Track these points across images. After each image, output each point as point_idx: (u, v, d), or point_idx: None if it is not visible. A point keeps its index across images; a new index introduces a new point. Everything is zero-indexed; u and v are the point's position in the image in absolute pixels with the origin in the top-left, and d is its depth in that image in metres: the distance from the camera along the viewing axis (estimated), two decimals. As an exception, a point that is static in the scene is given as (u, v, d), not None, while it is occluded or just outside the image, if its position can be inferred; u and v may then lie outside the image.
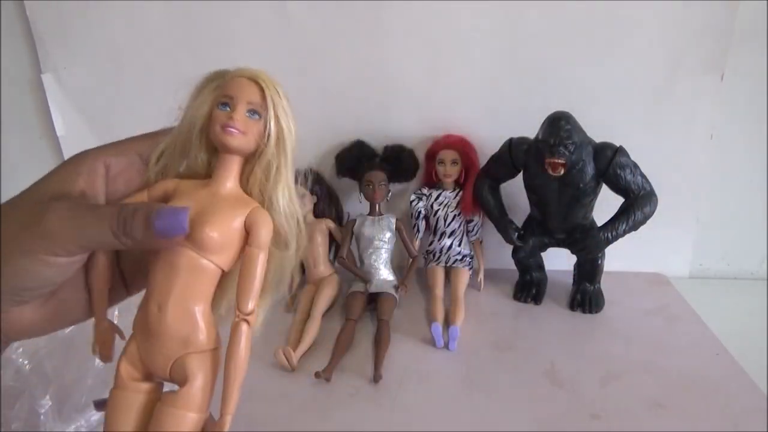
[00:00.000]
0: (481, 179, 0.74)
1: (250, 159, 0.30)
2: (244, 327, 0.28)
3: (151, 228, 0.26)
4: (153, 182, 0.31)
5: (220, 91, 0.30)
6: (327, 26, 0.75)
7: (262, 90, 0.29)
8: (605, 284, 0.75)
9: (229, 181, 0.30)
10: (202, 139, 0.30)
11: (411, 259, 0.78)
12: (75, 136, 0.83)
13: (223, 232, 0.28)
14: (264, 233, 0.29)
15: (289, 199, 0.30)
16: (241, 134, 0.29)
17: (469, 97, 0.77)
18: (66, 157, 0.85)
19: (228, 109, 0.29)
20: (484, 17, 0.73)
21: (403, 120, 0.79)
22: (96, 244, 0.28)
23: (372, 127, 0.79)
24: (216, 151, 0.30)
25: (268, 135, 0.29)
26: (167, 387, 0.29)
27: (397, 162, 0.77)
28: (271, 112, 0.29)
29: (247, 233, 0.29)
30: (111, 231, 0.26)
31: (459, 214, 0.78)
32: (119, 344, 0.31)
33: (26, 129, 0.83)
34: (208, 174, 0.30)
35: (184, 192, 0.30)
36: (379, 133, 0.79)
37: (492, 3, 0.72)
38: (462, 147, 0.76)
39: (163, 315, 0.28)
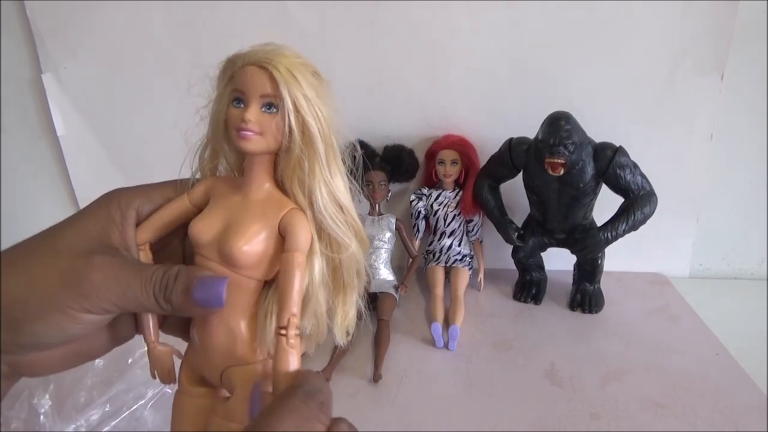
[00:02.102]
0: (480, 179, 0.74)
1: (281, 153, 0.27)
2: (281, 343, 0.25)
3: (190, 298, 0.26)
4: (196, 181, 0.29)
5: (232, 83, 0.27)
6: (327, 26, 0.75)
7: (275, 75, 0.25)
8: (605, 284, 0.75)
9: (261, 182, 0.27)
10: (228, 138, 0.28)
11: (411, 259, 0.78)
12: (75, 136, 0.83)
13: (252, 245, 0.26)
14: (300, 237, 0.26)
15: (329, 195, 0.27)
16: (257, 136, 0.26)
17: (469, 97, 0.77)
18: (66, 157, 0.86)
19: (242, 105, 0.26)
20: (484, 17, 0.73)
21: (403, 120, 0.79)
22: (134, 307, 0.27)
23: (372, 127, 0.79)
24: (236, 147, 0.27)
25: (290, 129, 0.26)
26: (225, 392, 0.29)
27: (397, 162, 0.77)
28: (288, 104, 0.25)
29: (283, 238, 0.26)
30: (153, 296, 0.26)
31: (459, 214, 0.78)
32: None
33: (26, 129, 0.83)
34: (238, 167, 0.28)
35: (218, 196, 0.28)
36: (379, 133, 0.79)
37: (492, 3, 0.72)
38: (462, 147, 0.76)
39: (207, 331, 0.27)
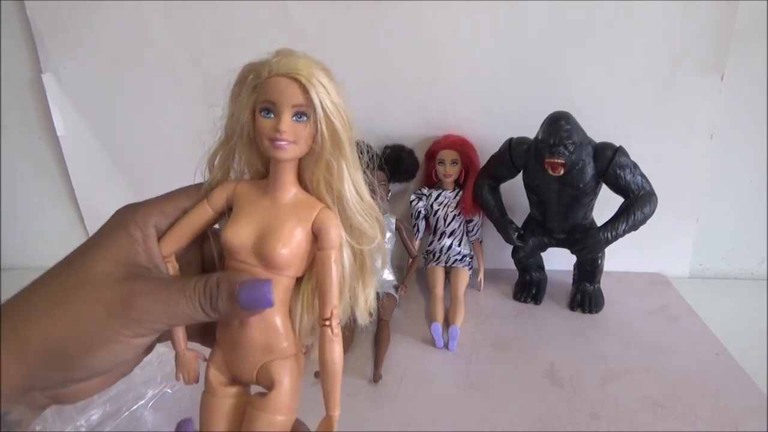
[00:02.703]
0: (480, 179, 0.74)
1: (306, 157, 0.28)
2: (327, 333, 0.28)
3: (236, 302, 0.27)
4: (211, 187, 0.30)
5: (259, 94, 0.27)
6: (327, 26, 0.75)
7: (305, 88, 0.26)
8: (605, 284, 0.75)
9: (288, 185, 0.28)
10: (252, 146, 0.29)
11: (411, 259, 0.78)
12: (75, 136, 0.83)
13: (291, 247, 0.27)
14: (333, 235, 0.28)
15: (356, 192, 0.28)
16: (291, 144, 0.27)
17: (469, 97, 0.77)
18: (66, 157, 0.85)
19: (272, 116, 0.27)
20: (484, 17, 0.73)
21: (403, 120, 0.79)
22: (183, 322, 0.28)
23: (372, 127, 0.79)
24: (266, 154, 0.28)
25: (321, 135, 0.27)
26: (254, 389, 0.30)
27: (397, 162, 0.77)
28: (320, 112, 0.26)
29: (316, 236, 0.28)
30: (200, 308, 0.27)
31: (459, 214, 0.78)
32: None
33: (26, 129, 0.83)
34: (264, 172, 0.29)
35: (245, 201, 0.29)
36: (379, 133, 0.79)
37: (492, 3, 0.72)
38: (462, 147, 0.76)
39: (245, 328, 0.28)
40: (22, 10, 0.76)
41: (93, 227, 0.89)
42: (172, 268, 0.29)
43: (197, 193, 0.30)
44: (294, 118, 0.27)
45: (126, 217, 0.29)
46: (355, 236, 0.29)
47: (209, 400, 0.30)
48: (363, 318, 0.31)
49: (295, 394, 0.29)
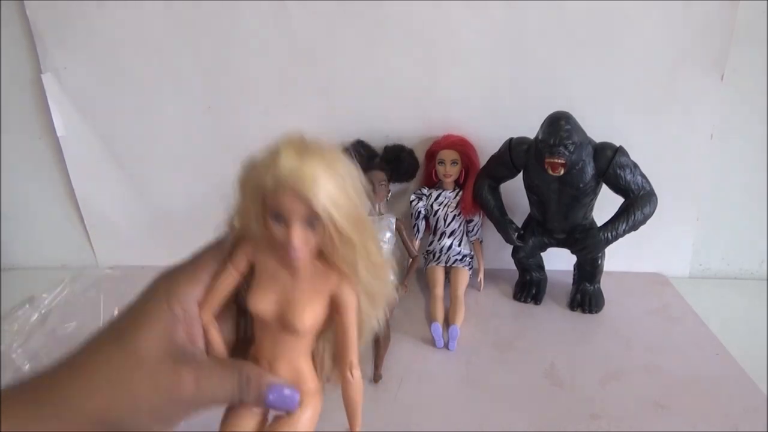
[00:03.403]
0: (481, 179, 0.74)
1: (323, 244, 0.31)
2: (347, 378, 0.34)
3: (264, 400, 0.31)
4: (232, 244, 0.32)
5: (268, 200, 0.29)
6: (327, 26, 0.75)
7: (312, 202, 0.28)
8: (605, 284, 0.75)
9: (306, 263, 0.31)
10: (265, 227, 0.30)
11: (411, 259, 0.78)
12: (75, 136, 0.83)
13: (313, 318, 0.32)
14: (350, 304, 0.32)
15: (370, 269, 0.32)
16: (304, 249, 0.30)
17: (469, 97, 0.77)
18: (66, 157, 0.85)
19: (281, 222, 0.29)
20: (484, 17, 0.73)
21: (403, 120, 0.79)
22: (216, 404, 0.31)
23: (372, 127, 0.79)
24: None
25: (330, 238, 0.29)
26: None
27: (397, 162, 0.76)
28: (326, 220, 0.29)
29: (333, 302, 0.32)
30: (232, 398, 0.31)
31: (459, 214, 0.78)
32: None
33: (26, 129, 0.83)
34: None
35: (264, 268, 0.32)
36: (379, 133, 0.79)
37: (492, 3, 0.72)
38: (462, 147, 0.76)
39: (275, 369, 0.33)
40: (22, 10, 0.76)
41: (93, 227, 0.89)
42: (214, 329, 0.32)
43: (220, 252, 0.33)
44: (304, 226, 0.29)
45: (168, 291, 0.31)
46: (370, 297, 0.33)
47: (232, 415, 0.33)
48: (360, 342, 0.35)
49: (315, 419, 0.34)
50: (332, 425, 0.54)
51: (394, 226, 0.76)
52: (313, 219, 0.29)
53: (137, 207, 0.87)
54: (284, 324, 0.31)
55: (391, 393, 0.59)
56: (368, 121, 0.79)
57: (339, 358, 0.34)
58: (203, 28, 0.76)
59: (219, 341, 0.33)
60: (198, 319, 0.31)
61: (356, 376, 0.34)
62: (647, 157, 0.67)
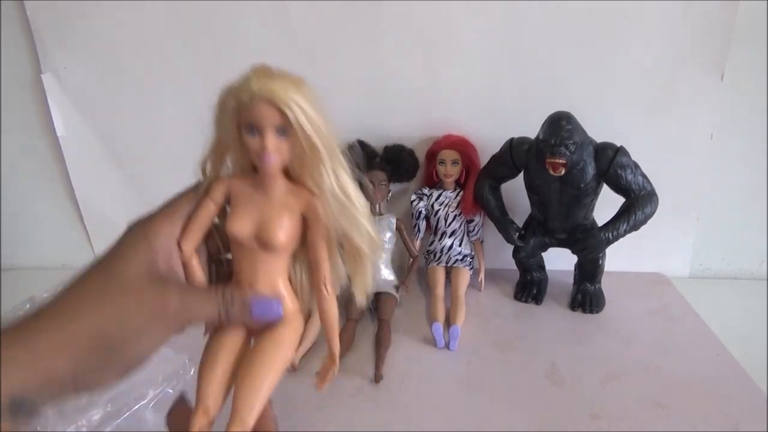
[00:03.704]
0: (481, 179, 0.74)
1: (291, 156, 0.33)
2: (323, 293, 0.35)
3: (250, 315, 0.34)
4: (207, 185, 0.35)
5: (243, 116, 0.31)
6: (327, 26, 0.75)
7: (283, 108, 0.30)
8: (606, 284, 0.75)
9: (277, 180, 0.33)
10: (241, 150, 0.33)
11: (411, 259, 0.78)
12: (75, 136, 0.83)
13: (287, 233, 0.34)
14: (320, 225, 0.34)
15: (337, 187, 0.33)
16: (276, 156, 0.32)
17: (469, 97, 0.77)
18: (66, 157, 0.85)
19: (256, 135, 0.31)
20: (484, 17, 0.73)
21: (403, 120, 0.79)
22: (204, 321, 0.34)
23: (372, 127, 0.79)
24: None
25: (300, 147, 0.32)
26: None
27: (397, 162, 0.77)
28: (298, 129, 0.31)
29: (305, 219, 0.34)
30: (218, 315, 0.33)
31: (460, 214, 0.78)
32: None
33: (26, 129, 0.83)
34: (252, 168, 0.34)
35: (240, 196, 0.34)
36: (379, 133, 0.79)
37: (492, 3, 0.72)
38: (463, 147, 0.76)
39: (255, 290, 0.35)
40: (22, 10, 0.76)
41: (93, 227, 0.89)
42: (195, 261, 0.34)
43: (195, 195, 0.34)
44: (276, 134, 0.31)
45: (144, 230, 0.33)
46: (345, 221, 0.34)
47: (214, 341, 0.35)
48: (359, 296, 0.37)
49: (296, 340, 0.35)
50: (332, 425, 0.54)
51: (395, 226, 0.76)
52: (284, 127, 0.31)
53: (137, 207, 0.86)
54: (261, 241, 0.33)
55: (392, 393, 0.59)
56: (368, 121, 0.79)
57: (313, 276, 0.35)
58: (203, 28, 0.76)
59: (200, 273, 0.34)
60: (177, 253, 0.33)
61: (330, 292, 0.36)
62: (647, 157, 0.67)
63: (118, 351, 0.30)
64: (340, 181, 0.33)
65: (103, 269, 0.31)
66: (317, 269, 0.35)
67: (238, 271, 0.35)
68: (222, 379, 0.34)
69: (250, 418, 0.32)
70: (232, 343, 0.35)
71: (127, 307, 0.30)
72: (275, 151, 0.31)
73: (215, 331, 0.35)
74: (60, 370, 0.28)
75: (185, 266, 0.34)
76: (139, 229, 0.33)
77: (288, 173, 0.34)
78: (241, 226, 0.33)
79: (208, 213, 0.34)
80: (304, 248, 0.36)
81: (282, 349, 0.34)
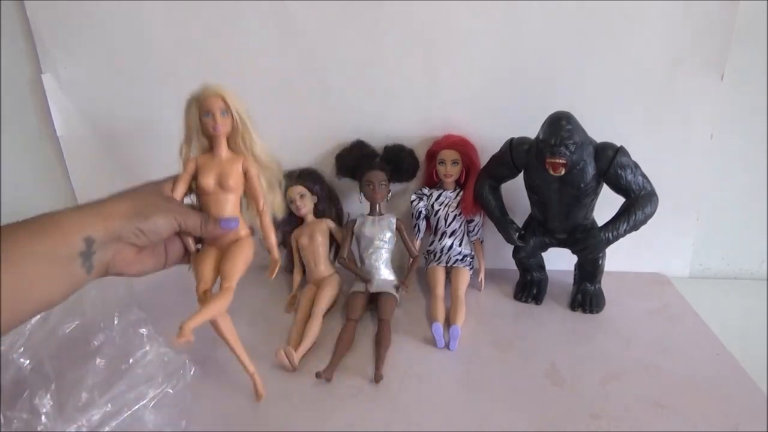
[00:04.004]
0: (481, 179, 0.74)
1: (230, 135, 0.56)
2: (260, 209, 0.57)
3: (219, 227, 0.55)
4: (185, 165, 0.57)
5: (201, 106, 0.55)
6: (327, 26, 0.75)
7: (224, 99, 0.54)
8: (606, 284, 0.75)
9: (224, 150, 0.56)
10: (201, 133, 0.57)
11: (412, 259, 0.78)
12: (75, 136, 0.83)
13: (235, 180, 0.56)
14: (252, 168, 0.56)
15: (261, 147, 0.57)
16: (222, 127, 0.55)
17: (469, 97, 0.77)
18: (66, 157, 0.85)
19: (209, 116, 0.55)
20: (484, 17, 0.73)
21: (403, 120, 0.79)
22: (189, 228, 0.53)
23: (372, 127, 0.79)
24: (211, 137, 0.56)
25: (234, 120, 0.55)
26: None
27: (397, 162, 0.77)
28: (233, 109, 0.55)
29: (244, 172, 0.56)
30: (199, 223, 0.54)
31: (460, 214, 0.78)
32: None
33: (26, 129, 0.83)
34: (210, 147, 0.57)
35: (205, 165, 0.56)
36: (379, 133, 0.79)
37: (492, 3, 0.72)
38: (463, 147, 0.76)
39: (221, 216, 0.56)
40: (22, 10, 0.76)
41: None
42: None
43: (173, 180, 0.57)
44: (221, 114, 0.54)
45: (157, 183, 0.55)
46: (264, 169, 0.58)
47: (199, 255, 0.56)
48: (279, 212, 0.61)
49: (250, 257, 0.56)
50: (332, 425, 0.54)
51: (395, 226, 0.76)
52: (224, 110, 0.54)
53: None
54: (221, 186, 0.55)
55: (392, 393, 0.59)
56: (368, 121, 0.79)
57: (254, 203, 0.57)
58: (203, 29, 0.76)
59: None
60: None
61: (264, 210, 0.57)
62: (647, 157, 0.67)
63: (146, 217, 0.49)
64: (255, 145, 0.56)
65: (135, 188, 0.53)
66: (256, 200, 0.57)
67: (206, 211, 0.56)
68: (210, 267, 0.55)
69: (233, 281, 0.53)
70: (213, 250, 0.56)
71: (151, 198, 0.51)
72: (222, 123, 0.54)
73: (200, 249, 0.57)
74: (111, 228, 0.47)
75: None
76: (152, 184, 0.55)
77: (228, 146, 0.56)
78: (208, 180, 0.55)
79: (186, 176, 0.56)
80: (245, 191, 0.58)
81: (243, 249, 0.55)
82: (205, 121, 0.54)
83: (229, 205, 0.56)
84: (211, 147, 0.56)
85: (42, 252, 0.42)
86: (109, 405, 0.50)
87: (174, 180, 0.56)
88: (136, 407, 0.51)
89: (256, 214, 0.57)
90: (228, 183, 0.55)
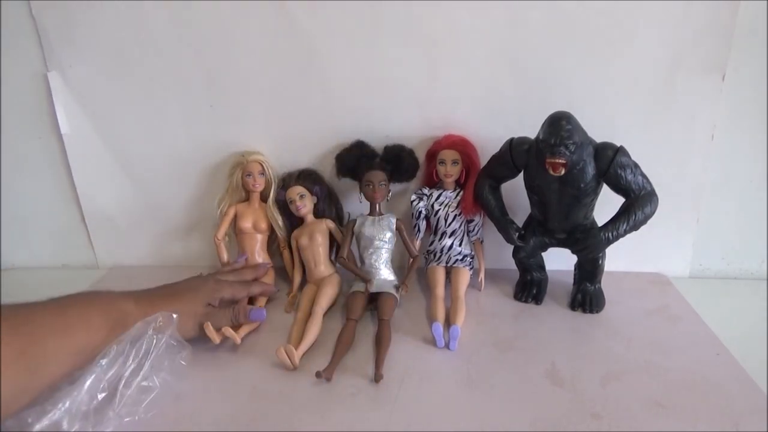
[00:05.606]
0: (481, 179, 0.74)
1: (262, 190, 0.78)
2: (282, 244, 0.80)
3: (248, 318, 0.67)
4: (224, 213, 0.78)
5: (244, 170, 0.77)
6: (327, 26, 0.75)
7: (261, 164, 0.77)
8: (606, 284, 0.75)
9: (258, 198, 0.78)
10: (238, 189, 0.78)
11: (411, 259, 0.78)
12: (79, 135, 0.83)
13: (265, 223, 0.77)
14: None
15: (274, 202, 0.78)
16: (259, 186, 0.77)
17: (469, 97, 0.77)
18: (69, 155, 0.86)
19: (250, 177, 0.76)
20: (484, 17, 0.73)
21: (403, 120, 0.79)
22: (221, 326, 0.65)
23: (372, 127, 0.79)
24: (249, 191, 0.78)
25: (267, 180, 0.77)
26: None
27: (397, 162, 0.77)
28: (268, 173, 0.77)
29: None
30: (231, 322, 0.66)
31: (460, 214, 0.78)
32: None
33: (31, 127, 0.84)
34: (246, 198, 0.79)
35: (243, 213, 0.78)
36: (379, 133, 0.79)
37: (492, 3, 0.72)
38: (463, 147, 0.76)
39: (254, 254, 0.79)
40: (27, 8, 0.76)
41: (94, 227, 0.90)
42: (223, 245, 0.79)
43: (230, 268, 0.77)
44: (259, 175, 0.76)
45: (210, 276, 0.71)
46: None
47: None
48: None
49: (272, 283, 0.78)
50: (332, 425, 0.54)
51: (395, 226, 0.76)
52: (263, 172, 0.76)
53: (139, 206, 0.87)
54: (256, 229, 0.77)
55: (392, 393, 0.59)
56: (368, 121, 0.79)
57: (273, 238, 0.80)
58: (205, 28, 0.76)
59: (224, 252, 0.79)
60: (221, 286, 0.69)
61: (283, 245, 0.80)
62: (647, 157, 0.67)
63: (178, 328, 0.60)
64: (270, 198, 0.77)
65: (178, 282, 0.68)
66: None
67: (242, 247, 0.78)
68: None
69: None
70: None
71: (185, 306, 0.63)
72: (259, 183, 0.76)
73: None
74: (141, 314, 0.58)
75: (217, 247, 0.79)
76: (208, 276, 0.71)
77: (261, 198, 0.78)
78: (247, 224, 0.77)
79: (228, 220, 0.78)
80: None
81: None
82: (246, 180, 0.76)
83: (259, 243, 0.78)
84: (247, 198, 0.79)
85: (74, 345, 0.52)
86: (109, 405, 0.50)
87: (219, 224, 0.78)
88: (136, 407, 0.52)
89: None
90: (262, 225, 0.77)
